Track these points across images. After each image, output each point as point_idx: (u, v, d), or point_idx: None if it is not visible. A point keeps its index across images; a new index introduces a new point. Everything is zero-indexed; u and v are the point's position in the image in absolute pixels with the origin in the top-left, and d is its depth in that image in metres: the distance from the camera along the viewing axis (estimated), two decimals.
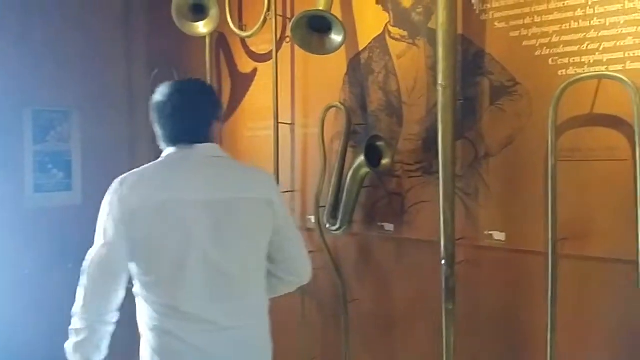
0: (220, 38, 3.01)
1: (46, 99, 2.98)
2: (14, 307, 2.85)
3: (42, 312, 2.89)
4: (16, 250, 2.86)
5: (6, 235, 2.83)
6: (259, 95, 2.86)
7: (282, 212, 1.70)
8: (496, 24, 2.06)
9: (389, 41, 2.35)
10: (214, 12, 2.72)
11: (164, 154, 1.64)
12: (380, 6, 2.38)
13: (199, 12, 2.75)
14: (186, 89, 1.66)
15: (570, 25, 1.90)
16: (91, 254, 1.58)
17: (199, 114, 1.65)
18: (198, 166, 1.61)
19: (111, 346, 1.63)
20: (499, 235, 2.07)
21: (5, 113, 2.88)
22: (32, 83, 2.94)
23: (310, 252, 2.61)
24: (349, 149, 2.43)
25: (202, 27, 2.78)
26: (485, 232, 2.10)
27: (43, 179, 2.91)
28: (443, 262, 2.03)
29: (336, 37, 2.21)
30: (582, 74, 1.85)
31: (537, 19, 1.97)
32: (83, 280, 1.57)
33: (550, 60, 1.94)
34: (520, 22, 2.01)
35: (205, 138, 1.64)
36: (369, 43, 2.42)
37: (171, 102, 1.60)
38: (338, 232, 2.43)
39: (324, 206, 2.45)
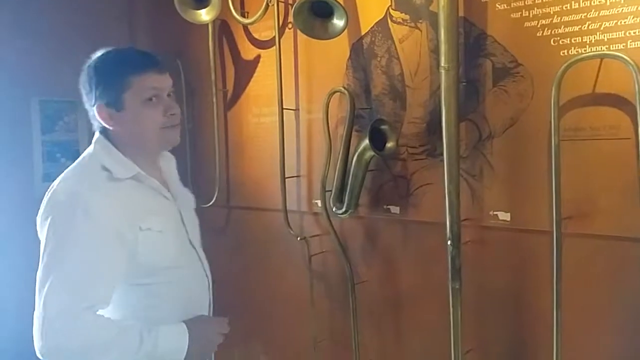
0: (222, 25, 3.02)
1: (53, 89, 3.00)
2: (22, 298, 2.88)
3: None
4: (25, 240, 2.88)
5: (16, 224, 2.85)
6: (262, 82, 2.88)
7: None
8: (497, 5, 2.07)
9: (391, 25, 2.37)
10: None
11: None
12: None
13: None
14: None
15: (571, 6, 1.91)
16: None
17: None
18: None
19: None
20: (503, 216, 2.10)
21: (13, 103, 2.91)
22: (39, 73, 2.97)
23: (317, 235, 2.69)
24: (354, 133, 2.45)
25: (205, 15, 2.79)
26: (490, 213, 2.13)
27: (52, 169, 2.94)
28: (449, 242, 2.06)
29: (338, 22, 2.22)
30: (583, 53, 1.86)
31: (537, 0, 1.98)
32: None
33: (552, 40, 1.95)
34: (521, 3, 2.01)
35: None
36: (371, 27, 2.43)
37: None
38: (344, 215, 2.46)
39: (330, 190, 2.47)
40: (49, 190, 1.50)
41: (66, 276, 1.39)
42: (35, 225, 1.49)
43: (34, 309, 1.40)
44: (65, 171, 1.55)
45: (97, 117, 1.54)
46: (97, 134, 1.60)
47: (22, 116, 2.94)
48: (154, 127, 1.55)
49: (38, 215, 1.48)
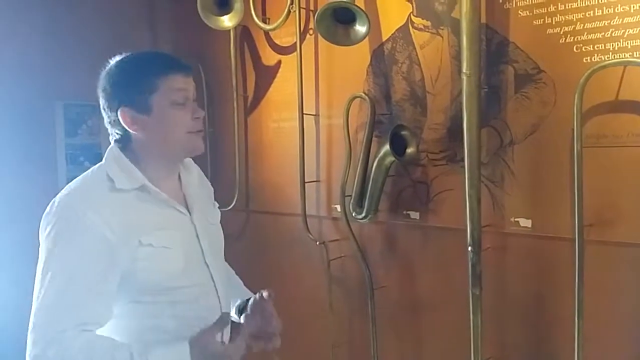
0: (244, 31, 3.05)
1: (76, 93, 3.01)
2: None
3: None
4: None
5: (39, 227, 2.90)
6: (283, 87, 2.90)
7: None
8: (520, 12, 2.07)
9: (413, 31, 2.37)
10: (238, 5, 2.76)
11: None
12: None
13: (224, 6, 2.79)
14: None
15: (594, 13, 1.91)
16: None
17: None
18: None
19: None
20: (525, 222, 2.09)
21: (38, 107, 2.95)
22: (63, 77, 3.00)
23: (336, 240, 2.70)
24: (374, 139, 2.46)
25: (227, 21, 2.82)
26: (512, 219, 2.12)
27: (75, 172, 2.92)
28: (470, 248, 2.05)
29: (360, 28, 2.24)
30: (607, 61, 1.86)
31: (560, 7, 1.98)
32: None
33: (574, 47, 1.95)
34: (544, 10, 2.02)
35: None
36: (392, 33, 2.44)
37: None
38: (364, 220, 2.47)
39: (350, 195, 2.48)
40: (51, 202, 1.43)
41: (55, 293, 1.33)
42: None
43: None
44: (70, 183, 1.48)
45: (121, 121, 1.45)
46: (111, 143, 1.52)
47: (46, 120, 2.99)
48: (182, 131, 1.48)
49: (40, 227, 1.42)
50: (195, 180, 1.64)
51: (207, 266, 1.56)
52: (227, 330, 1.55)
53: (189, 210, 1.56)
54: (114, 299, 1.41)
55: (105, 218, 1.37)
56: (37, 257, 1.37)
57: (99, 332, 1.39)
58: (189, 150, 1.55)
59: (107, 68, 1.50)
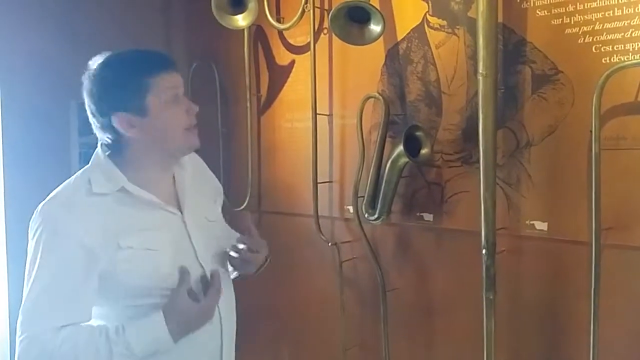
0: (258, 31, 3.04)
1: None
2: None
3: None
4: None
5: None
6: (296, 87, 2.88)
7: None
8: (537, 12, 2.04)
9: (428, 31, 2.35)
10: (252, 5, 2.75)
11: None
12: None
13: (238, 5, 2.78)
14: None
15: (614, 13, 1.87)
16: None
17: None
18: None
19: None
20: (541, 225, 2.06)
21: (52, 106, 2.96)
22: (77, 77, 3.00)
23: (348, 241, 2.68)
24: (388, 139, 2.44)
25: (241, 20, 2.81)
26: (527, 222, 2.09)
27: None
28: (484, 251, 2.03)
29: (375, 27, 2.21)
30: (626, 61, 1.82)
31: (579, 7, 1.94)
32: None
33: (593, 47, 1.92)
34: (562, 9, 1.98)
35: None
36: (407, 33, 2.42)
37: None
38: (377, 221, 2.44)
39: (363, 196, 2.46)
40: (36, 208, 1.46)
41: (36, 296, 1.38)
42: None
43: None
44: (56, 189, 1.50)
45: (116, 126, 1.45)
46: (98, 148, 1.54)
47: (60, 119, 3.00)
48: (179, 129, 1.50)
49: None
50: (189, 178, 1.62)
51: (201, 266, 1.56)
52: (200, 289, 1.54)
53: (181, 210, 1.55)
54: (92, 302, 1.45)
55: (82, 223, 1.40)
56: None
57: None
58: (187, 147, 1.56)
59: (91, 70, 1.48)
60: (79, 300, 1.42)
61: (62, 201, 1.45)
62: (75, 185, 1.49)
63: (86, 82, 1.49)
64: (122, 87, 1.44)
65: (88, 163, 1.56)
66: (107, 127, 1.48)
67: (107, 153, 1.52)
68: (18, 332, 1.39)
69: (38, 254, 1.40)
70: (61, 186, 1.51)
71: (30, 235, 1.44)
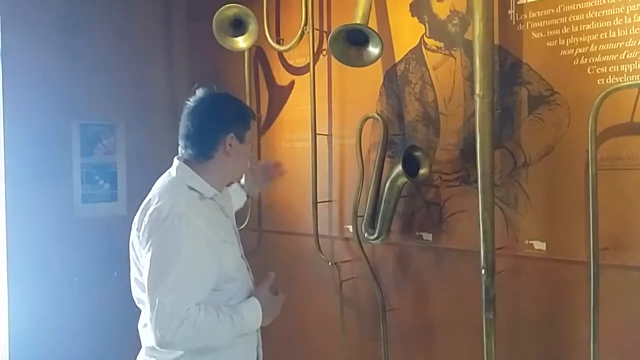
0: (258, 52, 3.07)
1: (93, 113, 3.10)
2: (63, 313, 2.95)
3: (89, 319, 3.02)
4: (65, 259, 2.98)
5: (56, 244, 2.94)
6: (296, 107, 2.91)
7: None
8: (533, 34, 2.07)
9: (425, 52, 2.38)
10: (252, 27, 2.79)
11: None
12: (416, 18, 2.41)
13: (239, 27, 2.82)
14: (199, 97, 1.78)
15: (608, 35, 1.90)
16: None
17: (195, 122, 1.74)
18: None
19: None
20: (539, 245, 2.07)
21: (55, 126, 3.00)
22: (80, 98, 3.06)
23: (348, 261, 2.68)
24: (386, 159, 2.46)
25: (242, 42, 2.85)
26: (526, 242, 2.10)
27: (90, 190, 3.03)
28: (483, 271, 2.03)
29: (373, 50, 2.24)
30: (621, 82, 1.85)
31: (574, 29, 1.98)
32: None
33: (588, 69, 1.94)
34: (558, 32, 2.02)
35: (191, 146, 1.75)
36: (405, 54, 2.45)
37: (185, 106, 1.78)
38: (376, 241, 2.45)
39: (362, 216, 2.47)
40: (149, 209, 1.67)
41: (175, 282, 1.59)
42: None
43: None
44: (157, 193, 1.71)
45: (224, 144, 1.73)
46: (176, 162, 1.76)
47: (63, 139, 3.03)
48: (247, 162, 1.90)
49: (140, 230, 1.67)
50: (231, 193, 2.03)
51: (244, 259, 1.89)
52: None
53: (228, 215, 1.89)
54: (212, 287, 1.72)
55: (203, 221, 1.68)
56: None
57: None
58: (240, 177, 2.16)
59: (209, 99, 1.77)
60: (208, 287, 1.68)
61: (187, 204, 1.68)
62: (182, 191, 1.72)
63: (202, 105, 1.76)
64: (242, 118, 1.81)
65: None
66: (204, 142, 1.74)
67: (191, 167, 1.76)
68: (161, 310, 1.57)
69: (175, 246, 1.62)
70: (169, 193, 1.70)
71: (156, 232, 1.63)
